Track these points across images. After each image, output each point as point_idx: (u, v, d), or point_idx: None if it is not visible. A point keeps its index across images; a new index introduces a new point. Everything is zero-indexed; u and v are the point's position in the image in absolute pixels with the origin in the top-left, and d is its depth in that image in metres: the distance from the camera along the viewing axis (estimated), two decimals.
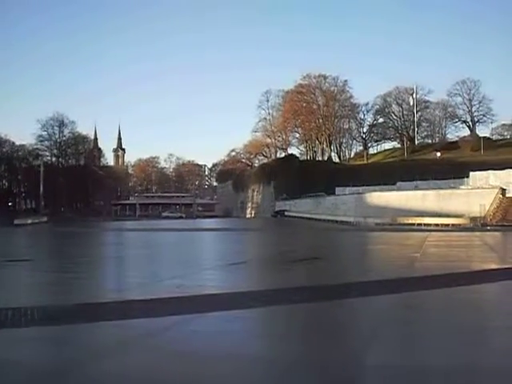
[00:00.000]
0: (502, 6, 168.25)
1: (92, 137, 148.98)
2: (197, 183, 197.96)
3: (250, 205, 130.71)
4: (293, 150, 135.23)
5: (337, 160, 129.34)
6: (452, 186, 62.42)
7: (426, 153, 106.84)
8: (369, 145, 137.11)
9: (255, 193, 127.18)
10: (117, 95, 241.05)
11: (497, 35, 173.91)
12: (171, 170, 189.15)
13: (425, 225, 49.89)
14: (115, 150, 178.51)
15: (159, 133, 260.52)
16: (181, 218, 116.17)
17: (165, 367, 6.12)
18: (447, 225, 49.15)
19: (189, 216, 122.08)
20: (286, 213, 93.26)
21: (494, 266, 16.97)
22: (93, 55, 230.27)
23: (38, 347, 7.34)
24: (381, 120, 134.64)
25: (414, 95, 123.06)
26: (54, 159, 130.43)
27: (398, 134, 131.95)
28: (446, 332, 8.00)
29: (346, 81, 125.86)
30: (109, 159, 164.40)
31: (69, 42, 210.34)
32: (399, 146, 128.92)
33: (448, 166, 74.46)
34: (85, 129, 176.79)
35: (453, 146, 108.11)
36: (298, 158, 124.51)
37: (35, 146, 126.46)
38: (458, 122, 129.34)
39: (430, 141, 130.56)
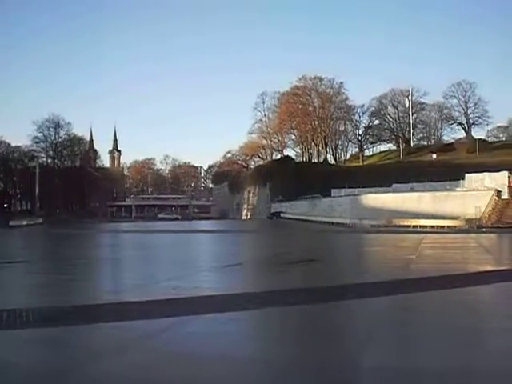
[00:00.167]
0: (498, 8, 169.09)
1: (88, 138, 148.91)
2: (193, 185, 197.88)
3: (245, 206, 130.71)
4: (289, 152, 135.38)
5: (332, 162, 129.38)
6: (448, 188, 62.51)
7: (422, 155, 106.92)
8: (364, 147, 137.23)
9: (251, 194, 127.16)
10: (112, 97, 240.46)
11: (493, 37, 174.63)
12: (167, 171, 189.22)
13: (420, 227, 50.03)
14: (111, 152, 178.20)
15: (155, 134, 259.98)
16: (177, 219, 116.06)
17: (161, 368, 6.11)
18: (443, 227, 49.29)
19: (185, 218, 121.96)
20: (281, 214, 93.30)
21: (489, 268, 17.00)
22: (88, 57, 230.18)
23: (34, 349, 7.31)
24: (376, 122, 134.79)
25: (410, 97, 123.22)
26: (49, 161, 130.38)
27: (393, 136, 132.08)
28: (442, 334, 8.01)
29: (341, 83, 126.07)
30: (104, 161, 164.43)
31: (65, 43, 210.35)
32: (395, 147, 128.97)
33: (444, 167, 74.50)
34: (80, 130, 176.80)
35: (448, 148, 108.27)
36: (293, 159, 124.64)
37: (31, 148, 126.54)
38: (454, 124, 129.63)
39: (425, 143, 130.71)
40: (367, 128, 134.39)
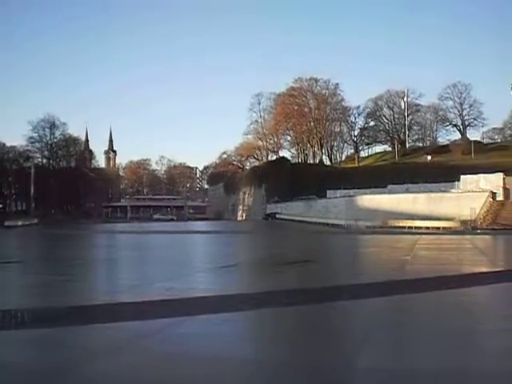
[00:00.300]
0: (494, 10, 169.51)
1: (83, 139, 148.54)
2: (188, 185, 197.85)
3: (241, 207, 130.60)
4: (284, 153, 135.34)
5: (328, 163, 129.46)
6: (443, 190, 62.60)
7: (417, 156, 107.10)
8: (360, 148, 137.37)
9: (246, 195, 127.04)
10: (108, 97, 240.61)
11: (488, 39, 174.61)
12: (162, 172, 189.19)
13: (415, 228, 50.10)
14: (106, 152, 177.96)
15: (151, 135, 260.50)
16: (172, 220, 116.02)
17: (155, 369, 6.12)
18: (438, 228, 49.37)
19: (180, 218, 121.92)
20: (277, 215, 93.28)
21: (484, 269, 17.04)
22: (83, 58, 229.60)
23: (30, 349, 7.31)
24: (372, 123, 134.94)
25: (405, 98, 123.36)
26: (44, 161, 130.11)
27: (389, 138, 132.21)
28: (437, 335, 8.02)
29: (337, 84, 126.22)
30: (100, 161, 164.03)
31: (61, 45, 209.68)
32: (390, 149, 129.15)
33: (439, 169, 74.63)
34: (76, 131, 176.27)
35: (443, 149, 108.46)
36: (289, 160, 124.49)
37: (26, 148, 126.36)
38: (449, 126, 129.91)
39: (420, 144, 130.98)
40: (363, 129, 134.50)
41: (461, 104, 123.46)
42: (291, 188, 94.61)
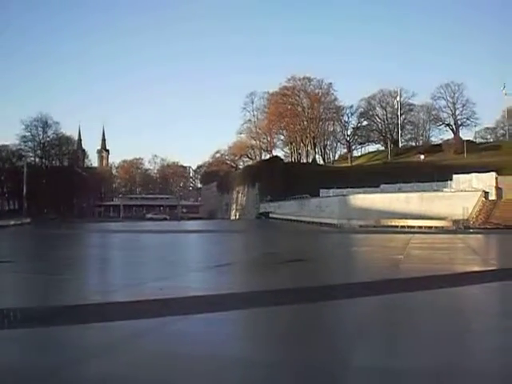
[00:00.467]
0: (487, 10, 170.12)
1: (76, 138, 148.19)
2: (181, 185, 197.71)
3: (234, 206, 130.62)
4: (277, 152, 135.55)
5: (321, 162, 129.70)
6: (435, 189, 62.79)
7: (410, 155, 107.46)
8: (353, 147, 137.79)
9: (240, 194, 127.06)
10: (101, 97, 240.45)
11: (481, 39, 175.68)
12: (155, 171, 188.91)
13: (408, 227, 50.22)
14: (99, 151, 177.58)
15: (144, 134, 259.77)
16: (165, 219, 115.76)
17: (149, 367, 6.12)
18: (430, 227, 49.50)
19: (173, 218, 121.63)
20: (270, 215, 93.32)
21: (476, 269, 17.09)
22: (76, 57, 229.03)
23: (21, 349, 7.28)
24: (365, 123, 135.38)
25: (398, 98, 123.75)
26: (37, 160, 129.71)
27: (381, 137, 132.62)
28: (430, 334, 8.06)
29: (330, 83, 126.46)
30: (93, 160, 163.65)
31: (55, 45, 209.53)
32: (383, 148, 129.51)
33: (431, 168, 74.76)
34: (69, 130, 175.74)
35: (436, 148, 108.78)
36: (282, 160, 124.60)
37: (19, 147, 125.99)
38: (442, 125, 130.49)
39: (413, 144, 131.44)
40: (356, 129, 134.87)
41: (453, 104, 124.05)
42: (284, 187, 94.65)
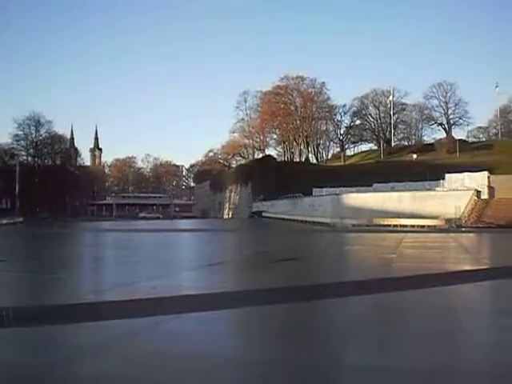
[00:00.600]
0: (480, 9, 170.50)
1: (68, 136, 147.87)
2: (174, 184, 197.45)
3: (227, 205, 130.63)
4: (270, 151, 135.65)
5: (314, 161, 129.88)
6: (428, 188, 62.96)
7: (403, 155, 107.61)
8: (346, 146, 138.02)
9: (233, 193, 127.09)
10: (94, 95, 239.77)
11: (474, 38, 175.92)
12: (148, 170, 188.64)
13: (401, 226, 50.33)
14: (92, 150, 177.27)
15: (136, 133, 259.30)
16: (158, 218, 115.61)
17: (144, 366, 6.12)
18: (423, 226, 49.63)
19: (166, 217, 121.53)
20: (263, 214, 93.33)
21: (468, 267, 17.15)
22: (69, 55, 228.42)
23: (13, 349, 7.27)
24: (358, 122, 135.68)
25: (391, 97, 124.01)
26: (30, 159, 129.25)
27: (374, 136, 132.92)
28: (422, 333, 8.09)
29: (323, 82, 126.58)
30: (85, 159, 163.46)
31: (46, 43, 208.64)
32: (376, 147, 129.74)
33: (424, 168, 74.96)
34: (61, 128, 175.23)
35: (429, 148, 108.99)
36: (275, 159, 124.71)
37: (11, 146, 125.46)
38: (434, 125, 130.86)
39: (406, 143, 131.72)
40: (349, 128, 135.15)
41: (446, 103, 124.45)
42: (277, 186, 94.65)
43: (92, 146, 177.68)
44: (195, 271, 17.08)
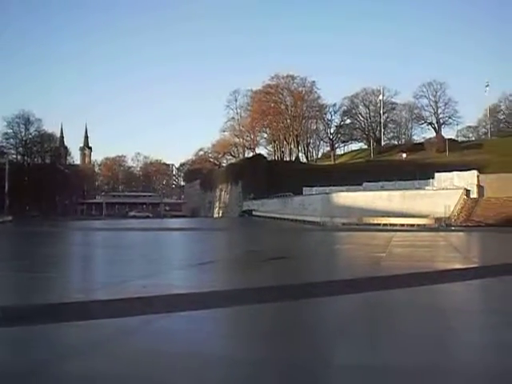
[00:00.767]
0: (470, 9, 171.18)
1: (58, 135, 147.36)
2: (164, 182, 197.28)
3: (217, 204, 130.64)
4: (261, 150, 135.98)
5: (304, 160, 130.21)
6: (417, 187, 63.31)
7: (392, 154, 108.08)
8: (336, 145, 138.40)
9: (223, 192, 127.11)
10: (84, 93, 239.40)
11: (464, 38, 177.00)
12: (138, 169, 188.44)
13: (390, 225, 50.49)
14: (82, 149, 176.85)
15: (126, 131, 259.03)
16: (148, 217, 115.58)
17: (134, 365, 6.13)
18: (412, 225, 49.82)
19: (156, 215, 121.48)
20: (253, 212, 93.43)
21: (458, 266, 17.22)
22: (60, 54, 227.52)
23: (4, 347, 7.26)
24: (348, 121, 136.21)
25: (381, 97, 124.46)
26: (19, 157, 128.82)
27: (364, 135, 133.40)
28: (412, 331, 8.12)
29: (313, 82, 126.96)
30: (75, 158, 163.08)
31: (36, 42, 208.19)
32: (366, 146, 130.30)
33: (413, 167, 75.32)
34: (51, 127, 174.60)
35: (418, 147, 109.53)
36: (265, 158, 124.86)
37: (0, 144, 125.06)
38: (424, 124, 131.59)
39: (396, 142, 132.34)
40: (339, 127, 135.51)
41: (436, 102, 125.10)
42: (267, 185, 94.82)
43: (82, 145, 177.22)
44: (185, 270, 17.07)
